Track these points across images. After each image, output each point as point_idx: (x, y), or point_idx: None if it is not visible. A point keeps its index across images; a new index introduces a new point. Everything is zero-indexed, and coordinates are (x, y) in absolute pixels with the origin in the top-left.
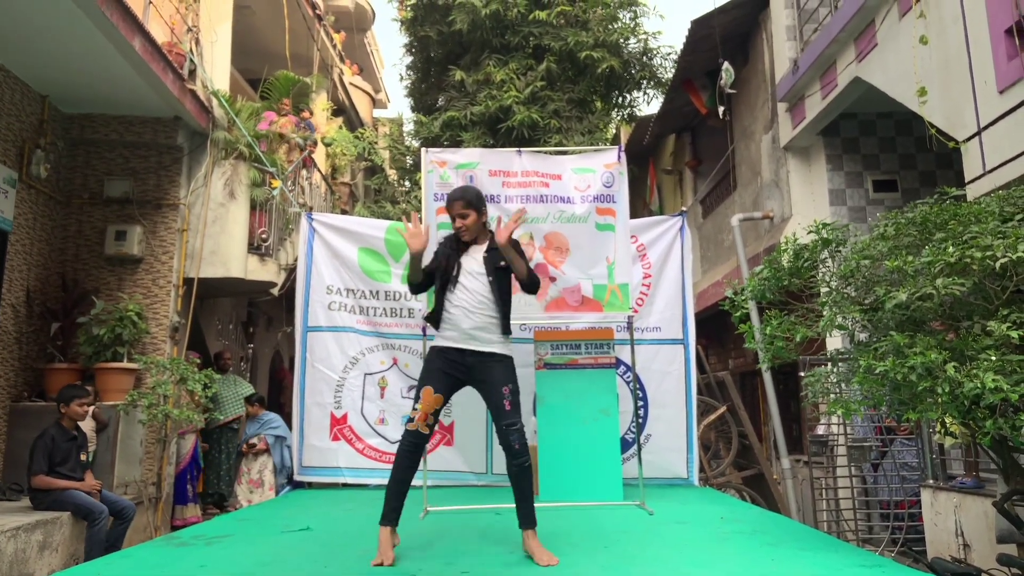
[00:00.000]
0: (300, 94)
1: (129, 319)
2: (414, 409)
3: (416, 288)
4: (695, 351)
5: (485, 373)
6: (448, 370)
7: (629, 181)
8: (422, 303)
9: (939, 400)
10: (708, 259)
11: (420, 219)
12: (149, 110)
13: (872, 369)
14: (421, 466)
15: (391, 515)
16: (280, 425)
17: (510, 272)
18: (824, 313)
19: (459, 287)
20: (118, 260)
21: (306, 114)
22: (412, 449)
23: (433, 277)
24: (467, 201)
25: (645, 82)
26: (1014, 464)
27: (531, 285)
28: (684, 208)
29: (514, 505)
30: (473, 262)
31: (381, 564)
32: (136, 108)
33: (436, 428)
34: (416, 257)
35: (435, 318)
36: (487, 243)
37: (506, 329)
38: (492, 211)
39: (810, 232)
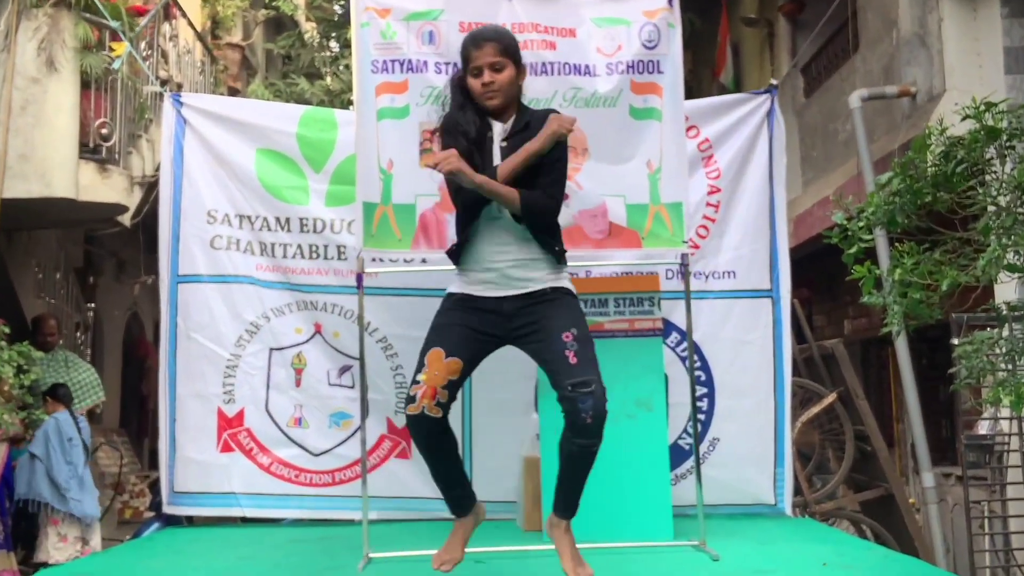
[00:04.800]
0: None
1: None
2: (415, 383)
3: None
4: (790, 308)
5: (535, 317)
6: (473, 325)
7: (688, 38)
8: (357, 236)
9: None
10: (813, 162)
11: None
12: None
13: None
14: (358, 491)
15: (454, 506)
16: (41, 434)
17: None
18: (988, 245)
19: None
20: None
21: None
22: (427, 438)
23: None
24: (503, 46)
25: None
26: None
27: (544, 210)
28: (774, 81)
29: (497, 549)
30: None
31: (441, 567)
32: None
33: (452, 405)
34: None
35: (458, 249)
36: (513, 120)
37: (559, 257)
38: None
39: (966, 118)
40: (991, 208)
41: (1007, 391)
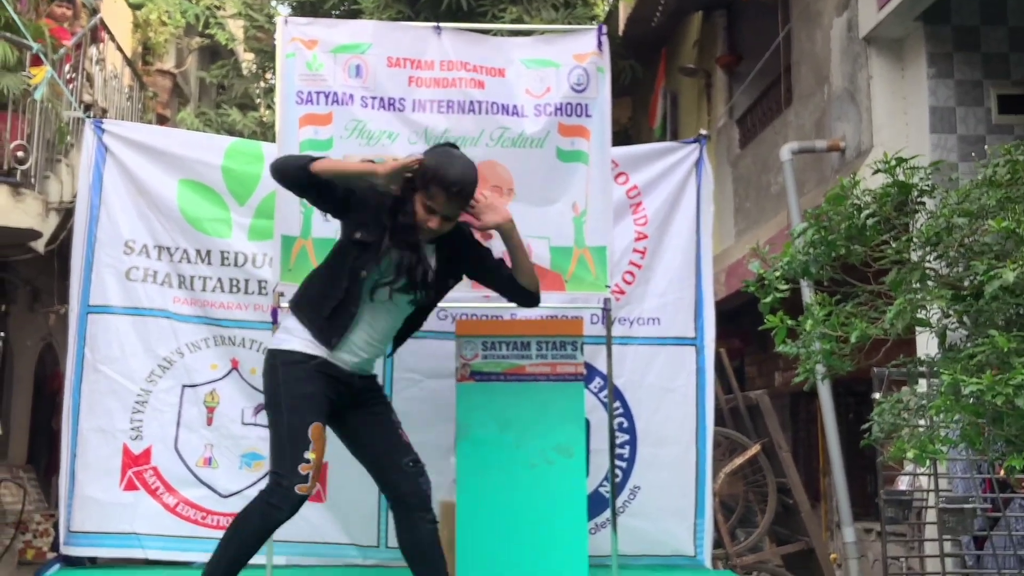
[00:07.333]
0: None
1: None
2: (304, 461)
3: (303, 183)
4: (715, 357)
5: (373, 394)
6: (330, 395)
7: (628, 86)
8: (274, 270)
9: None
10: (746, 213)
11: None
12: None
13: (960, 388)
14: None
15: None
16: None
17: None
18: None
19: (386, 301)
20: None
21: None
22: (285, 521)
23: (346, 205)
24: (464, 207)
25: None
26: None
27: (533, 293)
28: (704, 131)
29: None
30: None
31: None
32: None
33: None
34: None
35: (336, 330)
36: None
37: None
38: (394, 124)
39: (877, 171)
40: (913, 259)
41: (912, 445)
